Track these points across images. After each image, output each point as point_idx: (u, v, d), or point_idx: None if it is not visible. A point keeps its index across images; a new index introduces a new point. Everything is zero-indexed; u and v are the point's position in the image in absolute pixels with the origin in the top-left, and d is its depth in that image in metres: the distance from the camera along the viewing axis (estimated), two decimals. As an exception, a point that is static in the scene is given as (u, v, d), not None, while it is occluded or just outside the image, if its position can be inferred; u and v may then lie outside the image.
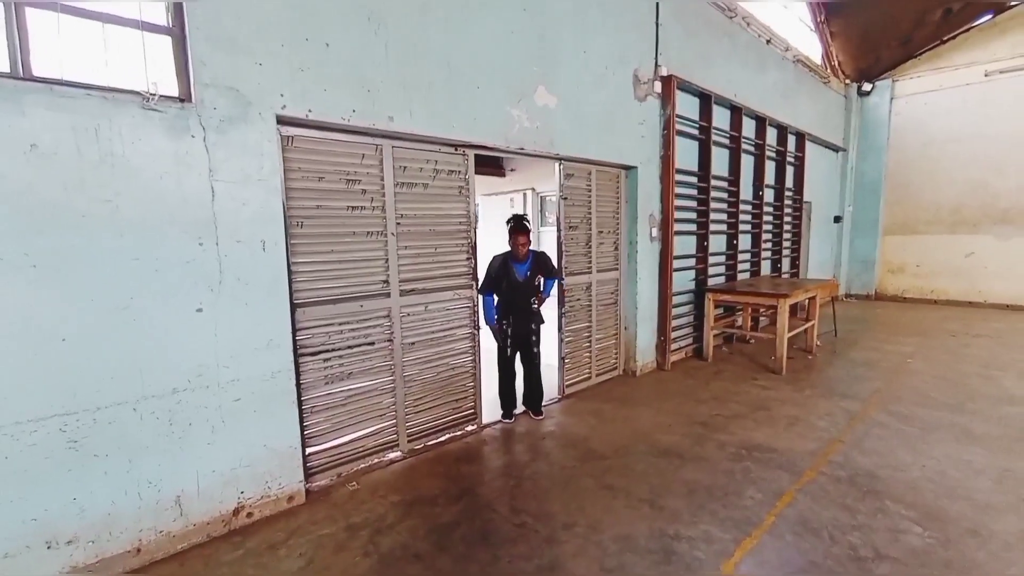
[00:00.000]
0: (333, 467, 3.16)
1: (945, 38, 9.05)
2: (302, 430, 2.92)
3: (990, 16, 8.53)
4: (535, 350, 4.08)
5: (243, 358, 2.58)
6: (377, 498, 2.95)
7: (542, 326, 4.13)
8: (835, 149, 9.80)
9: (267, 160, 2.60)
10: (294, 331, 2.84)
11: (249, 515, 2.67)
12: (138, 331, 2.27)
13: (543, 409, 4.24)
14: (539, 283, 4.04)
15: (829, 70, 9.36)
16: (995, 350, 6.06)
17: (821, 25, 8.99)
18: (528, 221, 3.94)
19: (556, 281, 4.19)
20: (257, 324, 2.63)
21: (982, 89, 8.94)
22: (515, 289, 3.92)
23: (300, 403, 2.92)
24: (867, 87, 9.98)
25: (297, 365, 2.89)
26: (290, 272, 2.82)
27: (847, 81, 9.93)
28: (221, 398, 2.52)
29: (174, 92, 2.35)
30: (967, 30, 8.85)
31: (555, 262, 4.28)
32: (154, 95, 2.22)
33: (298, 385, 2.89)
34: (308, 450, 3.02)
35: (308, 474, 3.01)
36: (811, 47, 8.82)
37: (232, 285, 2.52)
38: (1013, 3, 8.29)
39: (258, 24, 2.51)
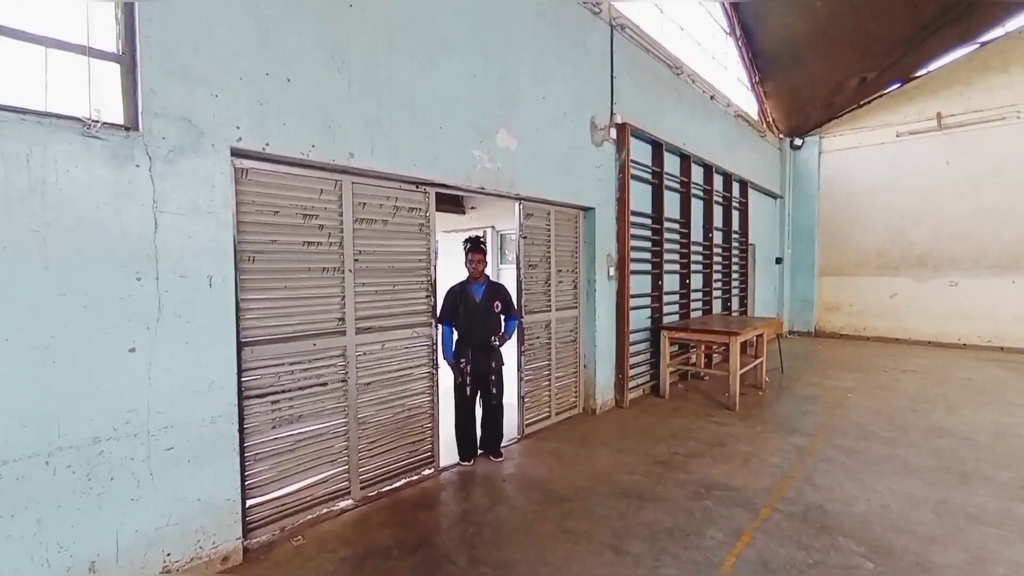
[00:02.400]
0: (276, 520, 2.91)
1: (862, 102, 10.14)
2: (243, 480, 2.70)
3: (899, 84, 9.66)
4: (493, 390, 3.97)
5: (180, 402, 2.38)
6: (324, 553, 2.73)
7: (503, 367, 4.06)
8: (773, 196, 10.58)
9: (218, 192, 2.49)
10: (240, 372, 2.66)
11: (176, 580, 2.39)
12: (58, 373, 2.05)
13: (503, 450, 4.12)
14: (498, 313, 3.97)
15: (765, 125, 10.22)
16: (922, 384, 6.50)
17: (756, 86, 9.86)
18: (484, 242, 4.02)
19: (517, 322, 4.17)
20: (198, 365, 2.44)
21: (895, 148, 10.00)
22: (472, 314, 3.86)
23: (243, 450, 2.70)
24: (798, 142, 10.94)
25: (241, 408, 2.69)
26: (239, 309, 2.67)
27: (781, 136, 10.85)
28: (151, 447, 2.29)
29: (119, 120, 2.24)
30: (880, 96, 9.96)
31: (515, 300, 4.27)
32: (96, 122, 2.11)
33: (241, 430, 2.68)
34: (249, 502, 2.78)
35: (247, 529, 2.76)
36: (749, 104, 9.62)
37: (172, 323, 2.35)
38: (918, 75, 9.43)
39: (216, 56, 2.46)
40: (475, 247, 3.95)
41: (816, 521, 3.00)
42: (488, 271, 4.07)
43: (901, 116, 9.86)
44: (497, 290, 4.03)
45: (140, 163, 2.24)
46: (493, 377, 3.96)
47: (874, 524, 2.97)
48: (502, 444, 4.16)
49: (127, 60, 2.27)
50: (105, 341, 2.16)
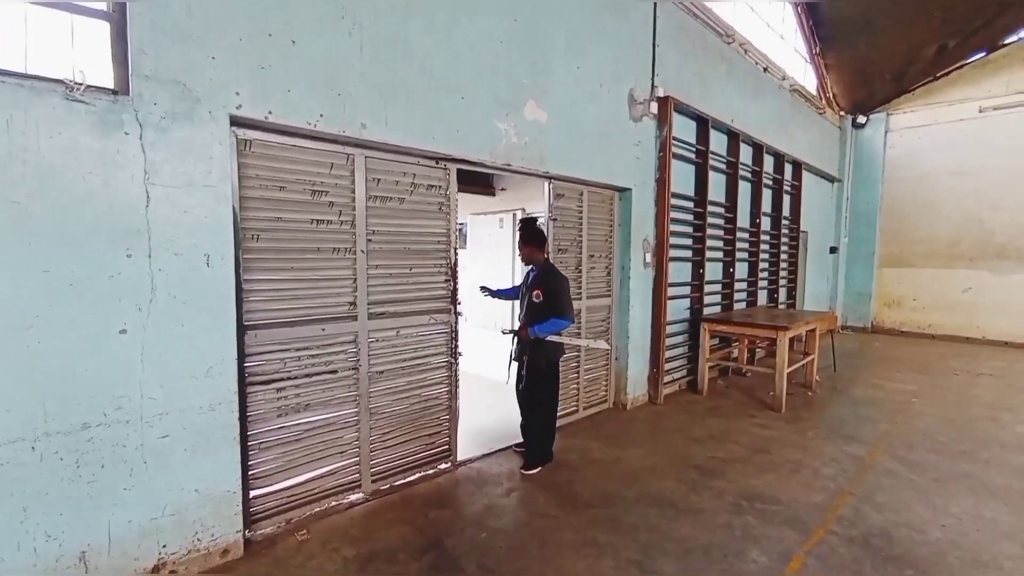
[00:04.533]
0: (282, 512, 2.78)
1: (939, 74, 9.09)
2: (245, 470, 2.56)
3: (984, 54, 8.59)
4: (520, 385, 3.60)
5: (175, 388, 2.24)
6: (328, 551, 2.57)
7: (541, 368, 3.49)
8: (830, 179, 9.73)
9: (216, 164, 2.31)
10: (242, 357, 2.51)
11: (172, 573, 2.28)
12: (43, 355, 1.93)
13: (534, 465, 3.55)
14: (539, 304, 3.43)
15: (824, 101, 9.35)
16: (1001, 390, 5.80)
17: (816, 57, 9.01)
18: (539, 227, 3.60)
19: (556, 322, 3.39)
20: (195, 349, 2.29)
21: (976, 125, 8.94)
22: (522, 295, 3.69)
23: (245, 439, 2.56)
24: (861, 119, 9.98)
25: (244, 395, 2.55)
26: (241, 290, 2.51)
27: (842, 113, 9.93)
28: (144, 435, 2.17)
29: (108, 83, 2.07)
30: (961, 67, 8.90)
31: (560, 294, 3.45)
32: (80, 85, 1.94)
33: (244, 418, 2.54)
34: (252, 493, 2.65)
35: (250, 521, 2.63)
36: (806, 77, 8.81)
37: (166, 303, 2.20)
38: (1007, 42, 8.34)
39: (214, 13, 2.26)
40: (520, 231, 3.57)
41: (880, 549, 2.60)
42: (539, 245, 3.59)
43: (985, 89, 8.78)
44: (544, 278, 3.50)
45: (130, 130, 2.07)
46: (522, 371, 3.58)
47: (950, 557, 2.55)
48: (534, 462, 3.57)
49: (117, 18, 2.09)
50: (93, 322, 2.03)
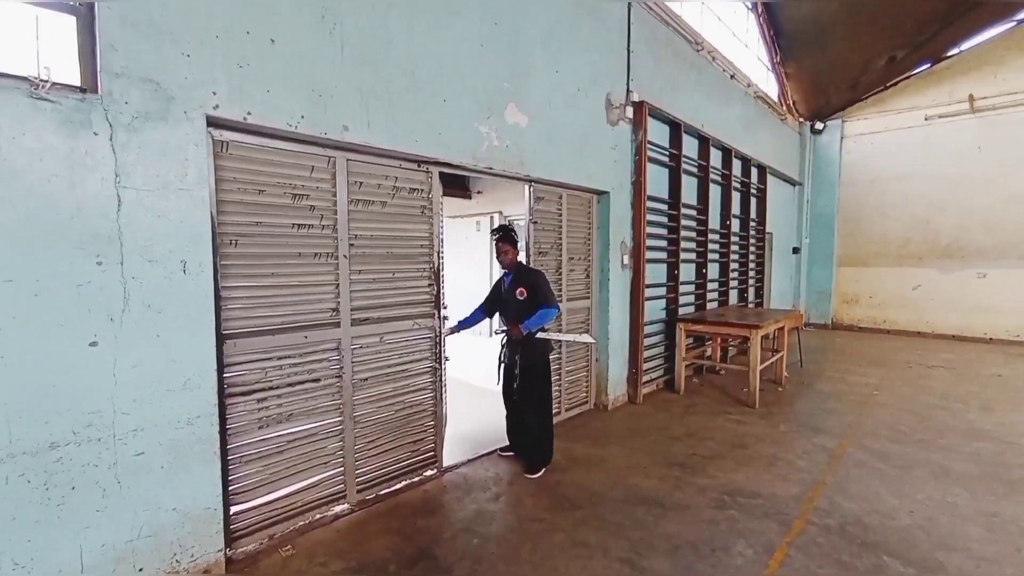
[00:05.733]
0: (264, 527, 2.68)
1: (888, 84, 9.63)
2: (226, 485, 2.45)
3: (929, 65, 9.15)
4: (515, 384, 3.55)
5: (150, 402, 2.13)
6: (316, 566, 2.49)
7: (535, 366, 3.55)
8: (792, 183, 10.15)
9: (192, 166, 2.21)
10: (221, 367, 2.41)
11: (149, 598, 2.16)
12: (7, 371, 1.80)
13: (537, 467, 3.56)
14: (524, 301, 3.47)
15: (785, 108, 9.75)
16: (951, 381, 6.17)
17: (777, 66, 9.39)
18: (514, 232, 3.62)
19: (548, 310, 3.44)
20: (171, 360, 2.19)
21: (922, 132, 9.50)
22: (502, 305, 3.66)
23: (225, 453, 2.46)
24: (819, 126, 10.46)
25: (223, 408, 2.44)
26: (219, 298, 2.41)
27: (801, 119, 10.37)
28: (117, 453, 2.05)
29: (75, 80, 1.95)
30: (908, 77, 9.45)
31: (542, 285, 3.52)
32: (45, 82, 1.82)
33: (224, 432, 2.44)
34: (233, 509, 2.55)
35: (232, 538, 2.52)
36: (768, 85, 9.16)
37: (140, 313, 2.08)
38: (949, 54, 8.92)
39: (188, 9, 2.16)
40: (501, 236, 3.58)
41: (856, 536, 2.72)
42: (515, 247, 3.63)
43: (930, 99, 9.35)
44: (522, 276, 3.57)
45: (99, 130, 1.96)
46: (516, 371, 3.53)
47: (920, 540, 2.69)
48: (537, 464, 3.59)
49: (84, 12, 1.98)
50: (61, 334, 1.91)
